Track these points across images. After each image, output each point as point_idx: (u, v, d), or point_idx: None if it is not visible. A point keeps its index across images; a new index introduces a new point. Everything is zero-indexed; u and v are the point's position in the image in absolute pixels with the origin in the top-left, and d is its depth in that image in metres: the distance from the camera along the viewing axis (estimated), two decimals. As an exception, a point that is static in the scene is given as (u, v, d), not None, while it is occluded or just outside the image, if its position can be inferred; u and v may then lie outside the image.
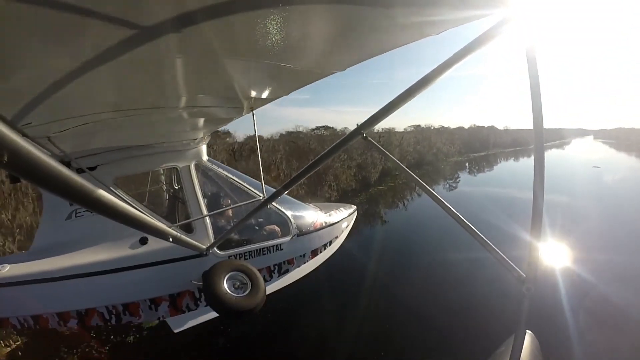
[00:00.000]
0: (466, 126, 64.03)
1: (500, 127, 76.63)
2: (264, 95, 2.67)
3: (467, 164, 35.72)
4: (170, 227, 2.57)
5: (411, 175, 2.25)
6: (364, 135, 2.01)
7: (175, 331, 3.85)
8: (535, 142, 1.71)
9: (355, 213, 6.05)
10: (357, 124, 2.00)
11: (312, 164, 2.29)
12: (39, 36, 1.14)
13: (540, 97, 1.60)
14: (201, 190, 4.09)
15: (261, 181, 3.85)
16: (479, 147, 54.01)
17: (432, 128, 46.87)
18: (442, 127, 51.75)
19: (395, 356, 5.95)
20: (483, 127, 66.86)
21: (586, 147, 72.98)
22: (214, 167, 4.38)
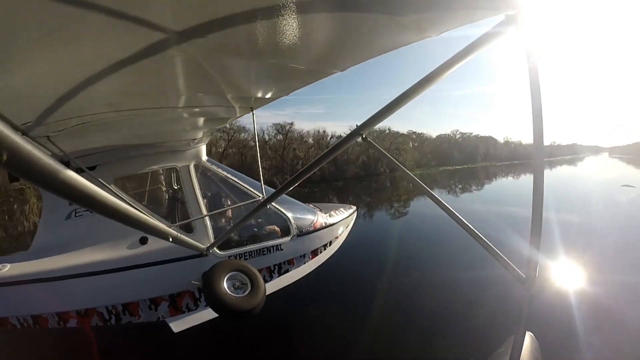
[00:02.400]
0: (448, 132, 56.28)
1: (500, 139, 72.94)
2: (264, 95, 2.67)
3: (436, 180, 30.68)
4: (170, 227, 2.57)
5: (412, 178, 2.25)
6: (364, 136, 2.01)
7: (175, 331, 3.85)
8: (534, 145, 1.71)
9: (355, 213, 6.04)
10: (357, 125, 1.99)
11: (311, 164, 2.28)
12: (40, 36, 1.14)
13: (540, 100, 1.59)
14: (201, 190, 4.09)
15: (261, 181, 3.85)
16: (460, 159, 47.37)
17: (399, 133, 40.96)
18: (413, 132, 45.49)
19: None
20: (471, 135, 59.96)
21: (604, 165, 68.19)
22: (214, 167, 4.38)
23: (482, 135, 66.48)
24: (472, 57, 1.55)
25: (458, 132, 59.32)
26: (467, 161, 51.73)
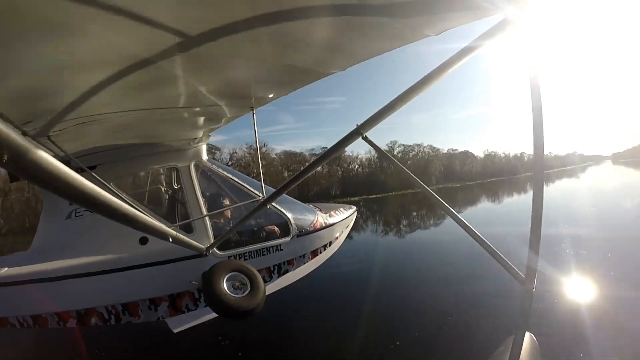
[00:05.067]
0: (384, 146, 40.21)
1: (479, 153, 64.97)
2: (265, 94, 2.68)
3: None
4: (170, 227, 2.57)
5: (412, 177, 2.25)
6: (364, 135, 2.01)
7: (175, 331, 3.84)
8: (535, 147, 1.71)
9: (356, 213, 6.03)
10: (357, 124, 1.99)
11: (311, 164, 2.29)
12: (40, 36, 1.14)
13: (540, 100, 1.59)
14: (201, 190, 4.08)
15: (261, 181, 3.85)
16: (394, 184, 33.30)
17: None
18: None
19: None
20: (420, 147, 46.37)
21: (613, 173, 60.11)
22: (214, 167, 4.38)
23: (444, 150, 55.81)
24: (472, 56, 1.55)
25: (398, 145, 45.68)
26: (408, 185, 36.42)
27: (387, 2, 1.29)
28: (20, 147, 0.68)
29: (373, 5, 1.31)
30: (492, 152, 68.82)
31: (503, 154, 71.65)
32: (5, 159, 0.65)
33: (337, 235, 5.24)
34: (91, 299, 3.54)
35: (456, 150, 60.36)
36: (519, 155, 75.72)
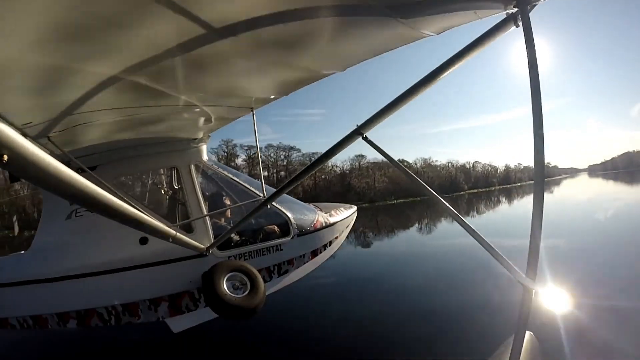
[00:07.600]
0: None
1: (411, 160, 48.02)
2: (265, 95, 2.68)
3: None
4: (170, 227, 2.57)
5: (413, 177, 2.25)
6: (364, 136, 2.01)
7: (175, 332, 3.84)
8: (535, 147, 1.70)
9: (356, 213, 6.02)
10: (357, 125, 1.99)
11: (311, 164, 2.29)
12: (39, 38, 1.14)
13: (540, 99, 1.59)
14: (201, 190, 4.09)
15: (261, 181, 3.85)
16: None
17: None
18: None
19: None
20: (293, 152, 36.71)
21: (599, 188, 53.16)
22: (214, 167, 4.38)
23: (343, 159, 41.39)
24: (472, 55, 1.55)
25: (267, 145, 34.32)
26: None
27: (387, 2, 1.29)
28: (21, 148, 0.69)
29: (373, 5, 1.31)
30: (430, 159, 51.84)
31: (447, 163, 52.68)
32: (6, 159, 0.65)
33: (337, 235, 5.23)
34: (91, 299, 3.55)
35: (363, 156, 46.08)
36: (469, 166, 55.94)
